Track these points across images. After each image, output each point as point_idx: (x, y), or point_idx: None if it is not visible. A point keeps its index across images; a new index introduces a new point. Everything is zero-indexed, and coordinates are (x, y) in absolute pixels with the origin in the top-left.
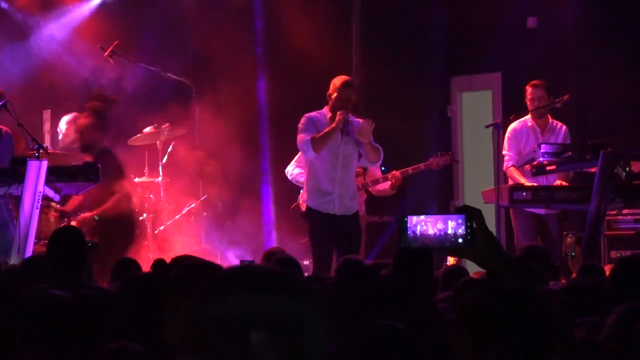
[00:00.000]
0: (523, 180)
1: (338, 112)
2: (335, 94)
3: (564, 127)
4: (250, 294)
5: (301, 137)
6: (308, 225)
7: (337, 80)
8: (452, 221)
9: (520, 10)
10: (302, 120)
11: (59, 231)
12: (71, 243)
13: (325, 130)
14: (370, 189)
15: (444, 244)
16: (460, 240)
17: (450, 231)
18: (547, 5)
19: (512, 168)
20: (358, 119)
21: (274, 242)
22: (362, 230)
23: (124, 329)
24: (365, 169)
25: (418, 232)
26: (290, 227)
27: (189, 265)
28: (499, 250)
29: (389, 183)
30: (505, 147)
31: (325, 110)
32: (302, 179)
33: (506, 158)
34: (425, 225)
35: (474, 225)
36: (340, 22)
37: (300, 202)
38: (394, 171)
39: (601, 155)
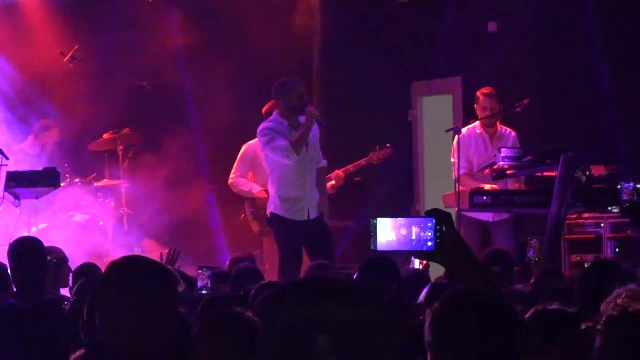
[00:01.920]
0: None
1: (307, 110)
2: (289, 95)
3: (513, 133)
4: (315, 301)
5: (274, 146)
6: (275, 232)
7: (285, 82)
8: (422, 225)
9: (480, 15)
10: (262, 132)
11: (19, 241)
12: (31, 253)
13: (301, 130)
14: None
15: (414, 247)
16: (430, 244)
17: (420, 235)
18: (508, 10)
19: (465, 175)
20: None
21: (226, 251)
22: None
23: (79, 337)
24: None
25: (388, 236)
26: (241, 237)
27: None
28: (469, 254)
29: (332, 184)
30: (454, 154)
31: (279, 118)
32: (247, 189)
33: (457, 166)
34: (395, 228)
35: (444, 229)
36: (301, 28)
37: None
38: (337, 171)
39: (562, 160)
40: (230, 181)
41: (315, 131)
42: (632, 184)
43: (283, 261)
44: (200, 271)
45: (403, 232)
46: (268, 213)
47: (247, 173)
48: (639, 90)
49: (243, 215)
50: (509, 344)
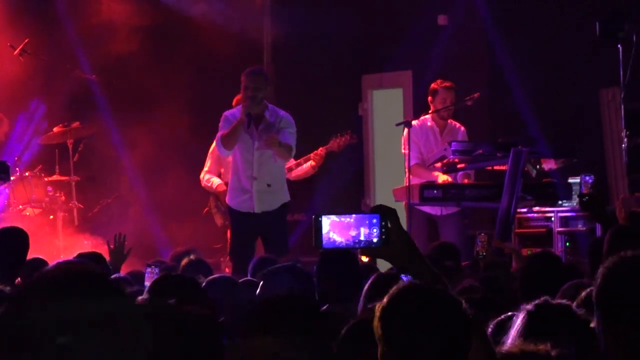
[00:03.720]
0: (431, 177)
1: (243, 105)
2: (241, 86)
3: (462, 127)
4: (50, 300)
5: (217, 136)
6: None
7: (244, 72)
8: (366, 220)
9: (430, 8)
10: (221, 118)
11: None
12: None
13: (232, 125)
14: (292, 179)
15: (359, 243)
16: (374, 239)
17: (364, 230)
18: (457, 3)
19: (417, 165)
20: (281, 111)
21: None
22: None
23: None
24: None
25: (333, 232)
26: (203, 230)
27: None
28: (413, 250)
29: (311, 164)
30: (404, 145)
31: (240, 107)
32: (209, 185)
33: (408, 157)
34: (339, 224)
35: (389, 225)
36: (251, 19)
37: (216, 203)
38: (319, 149)
39: (512, 153)
40: (200, 176)
41: (276, 122)
42: (592, 177)
43: (230, 252)
44: (149, 269)
45: (348, 228)
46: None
47: (216, 169)
48: None
49: (207, 209)
50: (456, 339)
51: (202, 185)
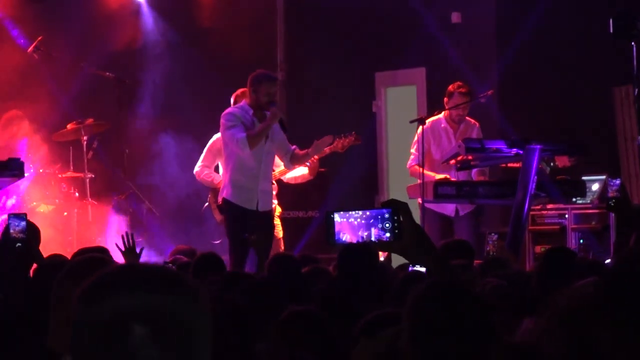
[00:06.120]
0: (432, 174)
1: (271, 109)
2: (259, 89)
3: (477, 123)
4: (128, 292)
5: (232, 134)
6: (225, 218)
7: (261, 75)
8: (378, 215)
9: (443, 5)
10: (226, 117)
11: None
12: None
13: (261, 127)
14: (285, 181)
15: (371, 238)
16: (387, 234)
17: (377, 226)
18: (470, 1)
19: (415, 166)
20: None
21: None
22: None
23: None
24: None
25: (345, 229)
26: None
27: (79, 263)
28: (427, 244)
29: (305, 170)
30: (413, 145)
31: (246, 106)
32: (209, 179)
33: (412, 157)
34: (351, 221)
35: (401, 219)
36: (264, 18)
37: (215, 199)
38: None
39: (525, 150)
40: (195, 170)
41: (277, 127)
42: (618, 181)
43: (231, 249)
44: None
45: (360, 224)
46: (220, 199)
47: (213, 163)
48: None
49: (206, 205)
50: (479, 337)
51: (199, 178)
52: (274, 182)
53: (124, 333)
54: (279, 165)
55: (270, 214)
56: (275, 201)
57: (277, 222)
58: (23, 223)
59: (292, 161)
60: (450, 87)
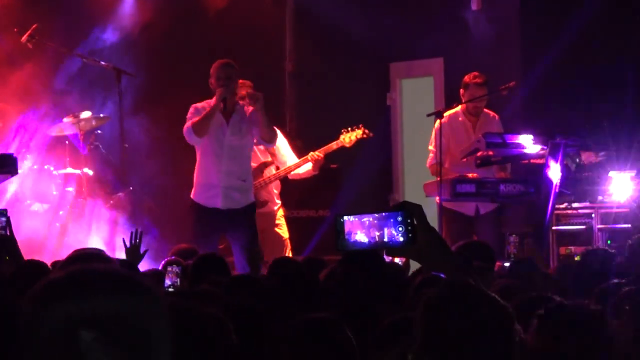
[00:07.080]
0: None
1: (217, 90)
2: (213, 76)
3: (496, 116)
4: (75, 299)
5: (185, 126)
6: (190, 218)
7: (215, 63)
8: (390, 219)
9: None
10: (190, 110)
11: None
12: None
13: (205, 112)
14: (289, 177)
15: (384, 243)
16: (400, 238)
17: (388, 230)
18: None
19: (436, 165)
20: (249, 108)
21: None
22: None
23: None
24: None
25: (355, 233)
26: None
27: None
28: (442, 247)
29: (310, 165)
30: (431, 141)
31: (213, 99)
32: None
33: (431, 155)
34: (361, 225)
35: (415, 222)
36: (273, 9)
37: None
38: (312, 152)
39: (549, 146)
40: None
41: (251, 117)
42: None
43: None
44: (169, 268)
45: (371, 227)
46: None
47: None
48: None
49: None
50: (497, 340)
51: None
52: (268, 180)
53: (72, 340)
54: (283, 163)
55: (242, 212)
56: (278, 201)
57: (281, 222)
58: (3, 219)
59: (261, 135)
60: (466, 78)
